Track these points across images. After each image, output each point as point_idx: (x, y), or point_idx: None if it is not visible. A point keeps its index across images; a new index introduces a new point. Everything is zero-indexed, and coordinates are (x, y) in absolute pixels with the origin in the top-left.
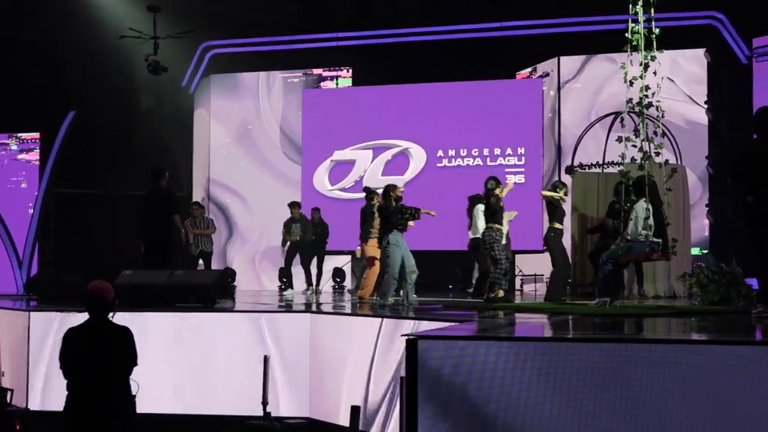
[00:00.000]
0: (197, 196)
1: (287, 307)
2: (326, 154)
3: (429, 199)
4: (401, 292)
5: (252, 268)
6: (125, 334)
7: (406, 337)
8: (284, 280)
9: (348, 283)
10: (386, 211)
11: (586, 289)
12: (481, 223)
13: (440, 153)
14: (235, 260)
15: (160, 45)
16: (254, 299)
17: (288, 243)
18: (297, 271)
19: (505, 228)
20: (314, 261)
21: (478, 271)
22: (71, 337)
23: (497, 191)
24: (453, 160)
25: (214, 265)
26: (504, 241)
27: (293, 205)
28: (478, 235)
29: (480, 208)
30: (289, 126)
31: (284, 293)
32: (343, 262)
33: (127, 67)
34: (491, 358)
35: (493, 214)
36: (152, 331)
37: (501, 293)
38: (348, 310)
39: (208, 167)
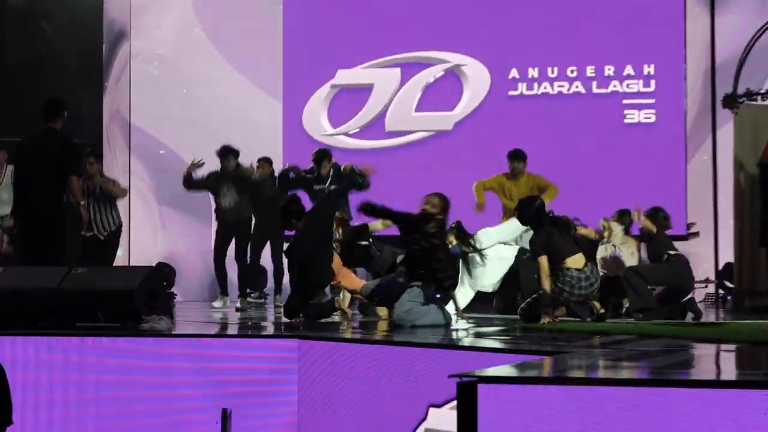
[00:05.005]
0: (112, 149)
1: (258, 329)
2: (323, 76)
3: (497, 152)
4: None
5: (195, 263)
6: None
7: (458, 379)
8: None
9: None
10: None
11: (759, 301)
12: None
13: (514, 73)
14: (167, 251)
15: None
16: (203, 315)
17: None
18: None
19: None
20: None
21: None
22: None
23: None
24: (535, 85)
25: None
26: None
27: (264, 162)
28: None
29: None
30: (258, 33)
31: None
32: None
33: None
34: (591, 410)
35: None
36: (36, 369)
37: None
38: (363, 333)
39: (128, 106)
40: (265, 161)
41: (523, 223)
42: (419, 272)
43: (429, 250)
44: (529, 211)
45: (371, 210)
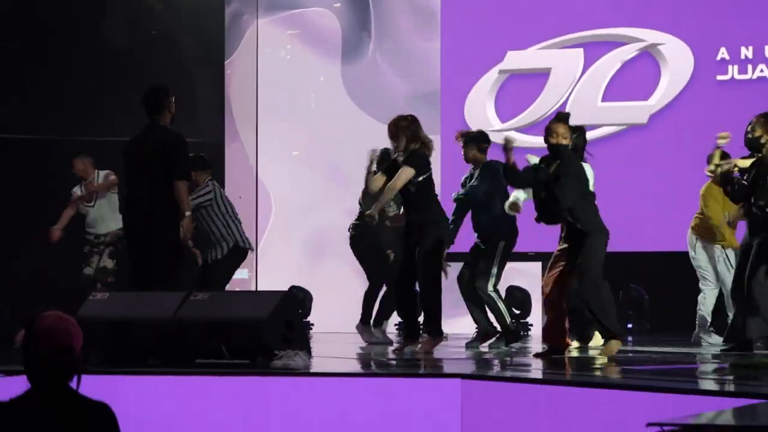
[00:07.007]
0: (234, 153)
1: (411, 366)
2: (491, 58)
3: (703, 149)
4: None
5: (325, 284)
6: (104, 418)
7: (659, 428)
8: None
9: (537, 318)
10: None
11: None
12: None
13: (723, 54)
14: (297, 268)
15: None
16: (342, 349)
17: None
18: None
19: None
20: None
21: None
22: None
23: None
24: (749, 67)
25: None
26: None
27: None
28: None
29: None
30: (416, 7)
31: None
32: (529, 272)
33: None
34: None
35: None
36: (147, 414)
37: None
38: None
39: (255, 91)
40: None
41: None
42: None
43: None
44: None
45: None
